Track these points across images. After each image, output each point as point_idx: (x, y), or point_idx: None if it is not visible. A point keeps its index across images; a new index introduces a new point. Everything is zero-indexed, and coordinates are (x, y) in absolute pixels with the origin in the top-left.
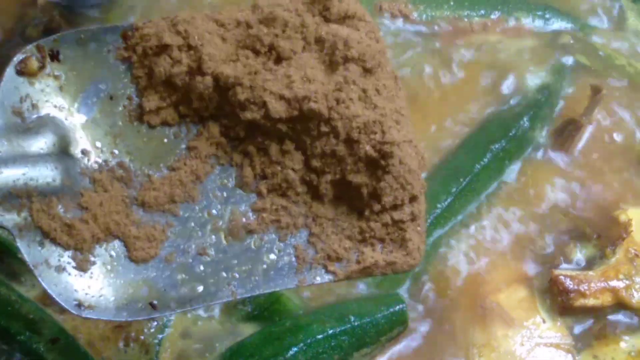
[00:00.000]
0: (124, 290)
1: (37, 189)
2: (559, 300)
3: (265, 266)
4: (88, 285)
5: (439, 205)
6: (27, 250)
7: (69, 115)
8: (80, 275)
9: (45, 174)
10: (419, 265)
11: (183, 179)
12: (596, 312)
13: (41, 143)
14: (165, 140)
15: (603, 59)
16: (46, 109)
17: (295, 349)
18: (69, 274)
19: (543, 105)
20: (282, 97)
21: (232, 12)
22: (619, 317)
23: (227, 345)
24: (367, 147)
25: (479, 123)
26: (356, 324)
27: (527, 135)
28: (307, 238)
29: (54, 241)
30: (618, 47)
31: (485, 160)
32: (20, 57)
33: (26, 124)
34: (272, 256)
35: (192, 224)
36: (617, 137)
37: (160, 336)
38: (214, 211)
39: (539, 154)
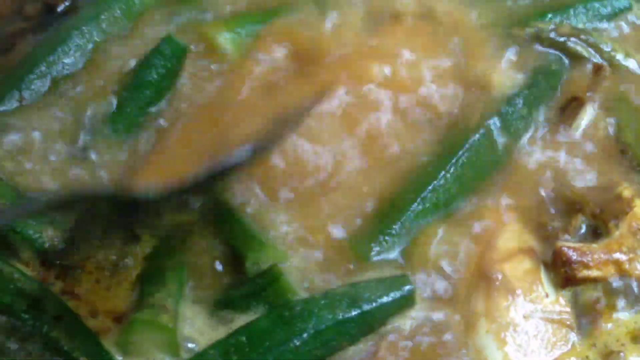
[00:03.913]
0: None
1: None
2: (562, 272)
3: None
4: None
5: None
6: None
7: None
8: None
9: None
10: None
11: None
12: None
13: None
14: None
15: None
16: None
17: (305, 334)
18: None
19: (539, 86)
20: None
21: None
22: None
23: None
24: None
25: None
26: (366, 309)
27: (522, 112)
28: None
29: None
30: None
31: (477, 136)
32: None
33: None
34: None
35: None
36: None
37: None
38: None
39: (541, 130)
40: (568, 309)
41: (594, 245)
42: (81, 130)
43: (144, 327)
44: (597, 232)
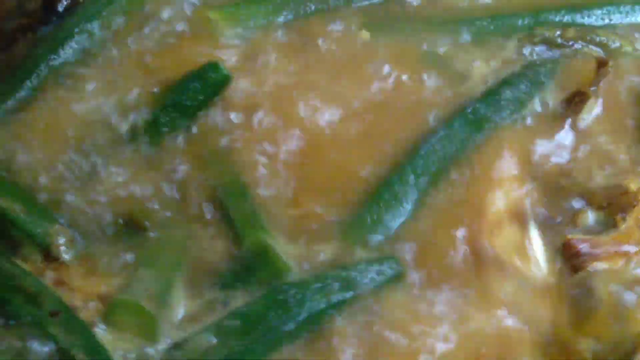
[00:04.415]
0: None
1: None
2: (570, 264)
3: None
4: None
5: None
6: None
7: None
8: None
9: None
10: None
11: None
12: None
13: None
14: None
15: None
16: None
17: (300, 317)
18: None
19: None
20: None
21: None
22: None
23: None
24: None
25: None
26: (359, 292)
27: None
28: None
29: None
30: None
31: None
32: None
33: None
34: None
35: None
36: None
37: None
38: None
39: (546, 124)
40: (558, 281)
41: (603, 238)
42: (89, 151)
43: (124, 309)
44: (603, 225)
